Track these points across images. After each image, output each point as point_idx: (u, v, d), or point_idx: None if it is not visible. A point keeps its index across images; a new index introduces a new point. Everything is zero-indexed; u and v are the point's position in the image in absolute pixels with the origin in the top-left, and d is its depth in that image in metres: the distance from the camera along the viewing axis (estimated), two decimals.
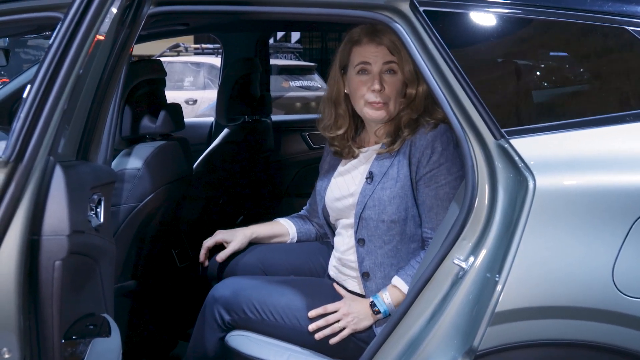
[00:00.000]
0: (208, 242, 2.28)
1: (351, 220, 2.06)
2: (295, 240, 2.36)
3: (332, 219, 2.18)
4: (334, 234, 2.21)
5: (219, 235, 2.28)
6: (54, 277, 1.45)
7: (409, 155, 1.98)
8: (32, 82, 1.45)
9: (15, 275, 1.40)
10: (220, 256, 2.25)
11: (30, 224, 1.42)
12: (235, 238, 2.27)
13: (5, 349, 1.42)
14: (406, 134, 2.00)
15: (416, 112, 2.01)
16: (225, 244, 2.28)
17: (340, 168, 2.17)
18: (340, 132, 2.13)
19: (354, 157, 2.13)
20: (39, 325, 1.46)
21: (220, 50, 3.86)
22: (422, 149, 1.96)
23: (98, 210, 1.66)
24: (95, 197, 1.64)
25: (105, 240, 1.68)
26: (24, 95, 1.44)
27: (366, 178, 2.03)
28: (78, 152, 1.67)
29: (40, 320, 1.46)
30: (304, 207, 2.43)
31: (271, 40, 9.54)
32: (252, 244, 2.32)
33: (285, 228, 2.36)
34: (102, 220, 1.65)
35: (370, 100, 2.01)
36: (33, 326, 1.46)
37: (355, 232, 2.03)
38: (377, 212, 1.98)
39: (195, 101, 9.36)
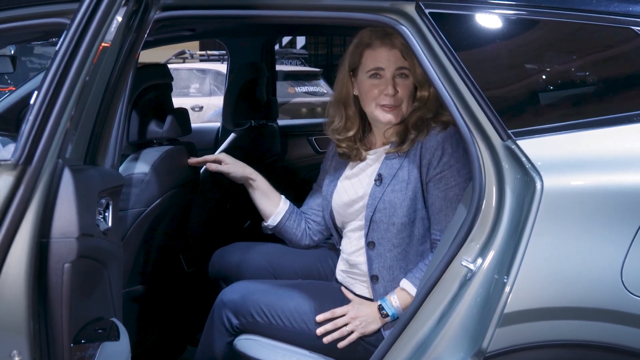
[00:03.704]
0: (208, 157, 2.31)
1: (359, 222, 2.06)
2: (279, 217, 2.27)
3: (338, 222, 2.18)
4: (340, 237, 2.20)
5: (223, 156, 2.30)
6: (63, 279, 1.45)
7: (420, 156, 1.97)
8: (39, 87, 1.45)
9: (25, 278, 1.41)
10: (211, 167, 2.27)
11: (39, 227, 1.43)
12: (234, 166, 2.28)
13: (15, 352, 1.42)
14: (413, 136, 2.00)
15: (431, 112, 2.00)
16: (224, 165, 2.28)
17: (347, 172, 2.17)
18: (350, 134, 2.12)
19: (362, 159, 2.12)
20: (48, 328, 1.46)
21: (226, 57, 3.87)
22: (432, 150, 1.95)
23: (106, 214, 1.66)
24: (104, 201, 1.65)
25: (113, 244, 1.68)
26: (32, 101, 1.44)
27: (375, 180, 2.03)
28: (86, 157, 1.67)
29: (50, 323, 1.46)
30: (302, 207, 2.37)
31: (276, 47, 9.56)
32: (261, 245, 2.32)
33: (280, 203, 2.29)
34: (110, 224, 1.66)
35: (383, 103, 2.01)
36: (43, 329, 1.46)
37: (366, 235, 2.02)
38: (388, 215, 1.97)
39: (201, 108, 9.38)
